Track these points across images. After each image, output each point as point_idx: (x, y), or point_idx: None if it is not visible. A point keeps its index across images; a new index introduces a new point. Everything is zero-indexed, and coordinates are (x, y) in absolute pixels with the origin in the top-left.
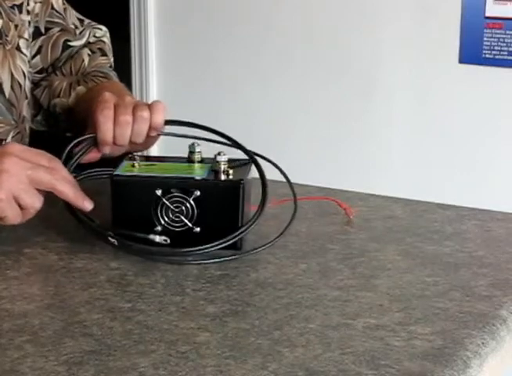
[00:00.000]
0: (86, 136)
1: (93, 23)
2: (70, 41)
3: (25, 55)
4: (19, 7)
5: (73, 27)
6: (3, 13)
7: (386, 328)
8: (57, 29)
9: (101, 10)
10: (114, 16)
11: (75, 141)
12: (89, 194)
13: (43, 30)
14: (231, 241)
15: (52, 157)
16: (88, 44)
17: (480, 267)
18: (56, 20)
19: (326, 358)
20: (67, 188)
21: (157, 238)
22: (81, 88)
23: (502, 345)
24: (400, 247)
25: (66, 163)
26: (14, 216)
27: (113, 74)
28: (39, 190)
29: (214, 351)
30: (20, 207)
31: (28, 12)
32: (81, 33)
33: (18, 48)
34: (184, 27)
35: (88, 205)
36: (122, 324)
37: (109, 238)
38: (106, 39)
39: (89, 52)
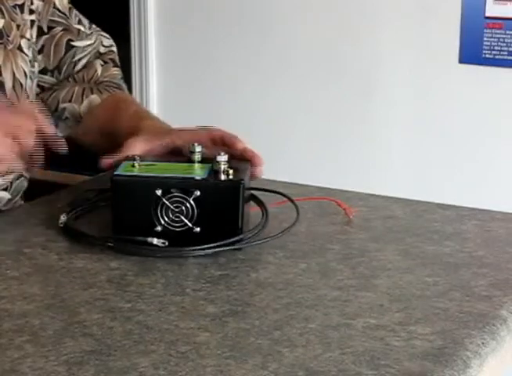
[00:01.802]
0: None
1: (98, 28)
2: (72, 40)
3: (26, 55)
4: (21, 7)
5: (77, 27)
6: (5, 13)
7: (386, 328)
8: (60, 28)
9: (101, 10)
10: (114, 16)
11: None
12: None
13: (45, 29)
14: (233, 246)
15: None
16: (99, 55)
17: (480, 267)
18: (59, 20)
19: (326, 358)
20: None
21: (155, 241)
22: (94, 97)
23: (503, 345)
24: (400, 247)
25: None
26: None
27: (125, 86)
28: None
29: (214, 351)
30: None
31: (32, 12)
32: (87, 36)
33: (19, 48)
34: (184, 27)
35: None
36: (122, 324)
37: (108, 243)
38: (115, 49)
39: (102, 63)
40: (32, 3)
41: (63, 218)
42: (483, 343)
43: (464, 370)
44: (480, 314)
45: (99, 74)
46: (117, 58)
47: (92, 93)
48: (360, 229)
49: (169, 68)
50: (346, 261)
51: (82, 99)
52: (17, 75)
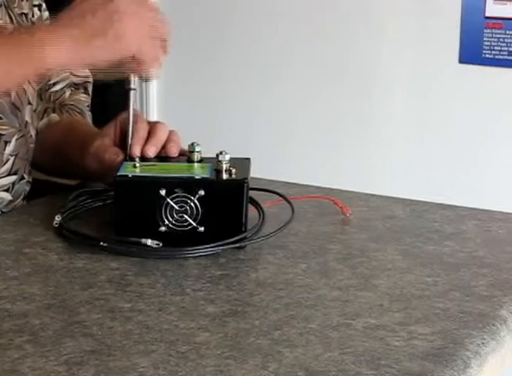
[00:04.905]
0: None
1: None
2: None
3: None
4: (26, 16)
5: None
6: (14, 19)
7: (386, 328)
8: None
9: None
10: None
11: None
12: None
13: None
14: (237, 244)
15: None
16: (73, 85)
17: (480, 267)
18: None
19: (326, 358)
20: None
21: (149, 242)
22: (54, 116)
23: (503, 345)
24: (400, 247)
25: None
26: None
27: (89, 115)
28: None
29: (214, 351)
30: None
31: (33, 23)
32: None
33: None
34: (184, 27)
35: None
36: (122, 324)
37: (101, 243)
38: (91, 80)
39: (72, 88)
40: (33, 15)
41: (57, 218)
42: (483, 343)
43: (464, 370)
44: (480, 314)
45: (67, 96)
46: (90, 87)
47: (54, 112)
48: (360, 229)
49: (169, 68)
50: (346, 261)
51: (43, 116)
52: None
